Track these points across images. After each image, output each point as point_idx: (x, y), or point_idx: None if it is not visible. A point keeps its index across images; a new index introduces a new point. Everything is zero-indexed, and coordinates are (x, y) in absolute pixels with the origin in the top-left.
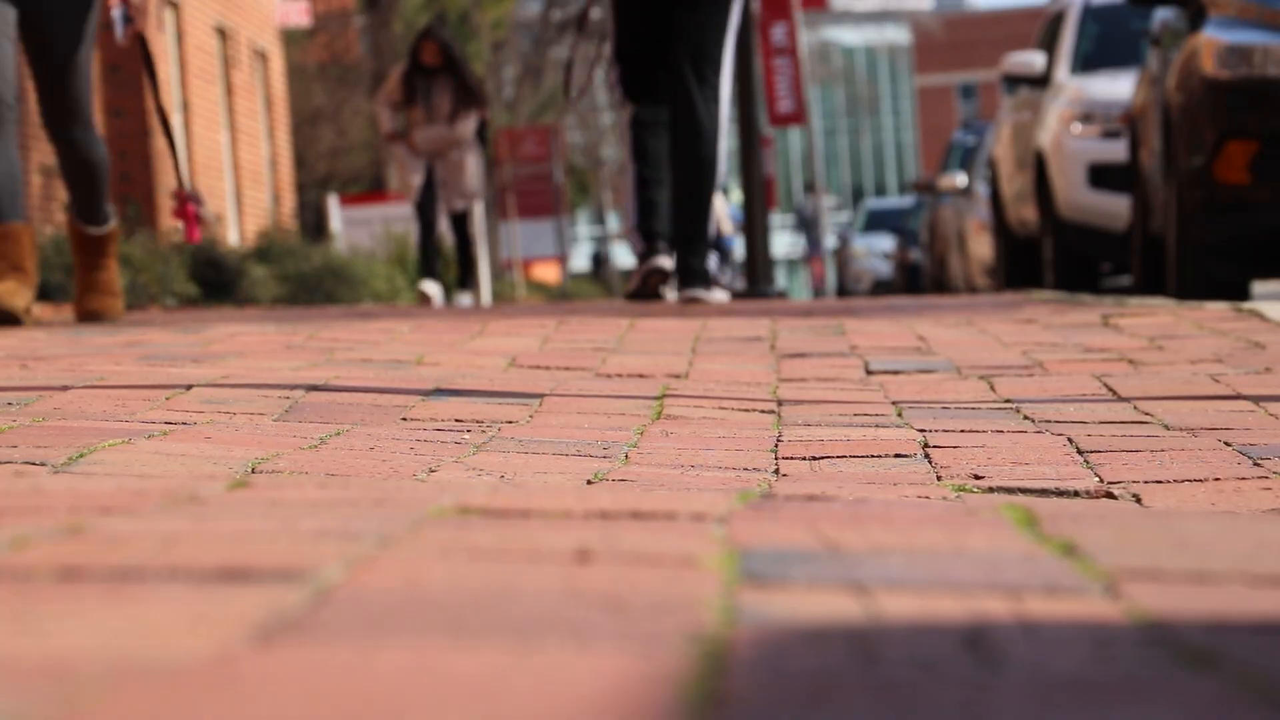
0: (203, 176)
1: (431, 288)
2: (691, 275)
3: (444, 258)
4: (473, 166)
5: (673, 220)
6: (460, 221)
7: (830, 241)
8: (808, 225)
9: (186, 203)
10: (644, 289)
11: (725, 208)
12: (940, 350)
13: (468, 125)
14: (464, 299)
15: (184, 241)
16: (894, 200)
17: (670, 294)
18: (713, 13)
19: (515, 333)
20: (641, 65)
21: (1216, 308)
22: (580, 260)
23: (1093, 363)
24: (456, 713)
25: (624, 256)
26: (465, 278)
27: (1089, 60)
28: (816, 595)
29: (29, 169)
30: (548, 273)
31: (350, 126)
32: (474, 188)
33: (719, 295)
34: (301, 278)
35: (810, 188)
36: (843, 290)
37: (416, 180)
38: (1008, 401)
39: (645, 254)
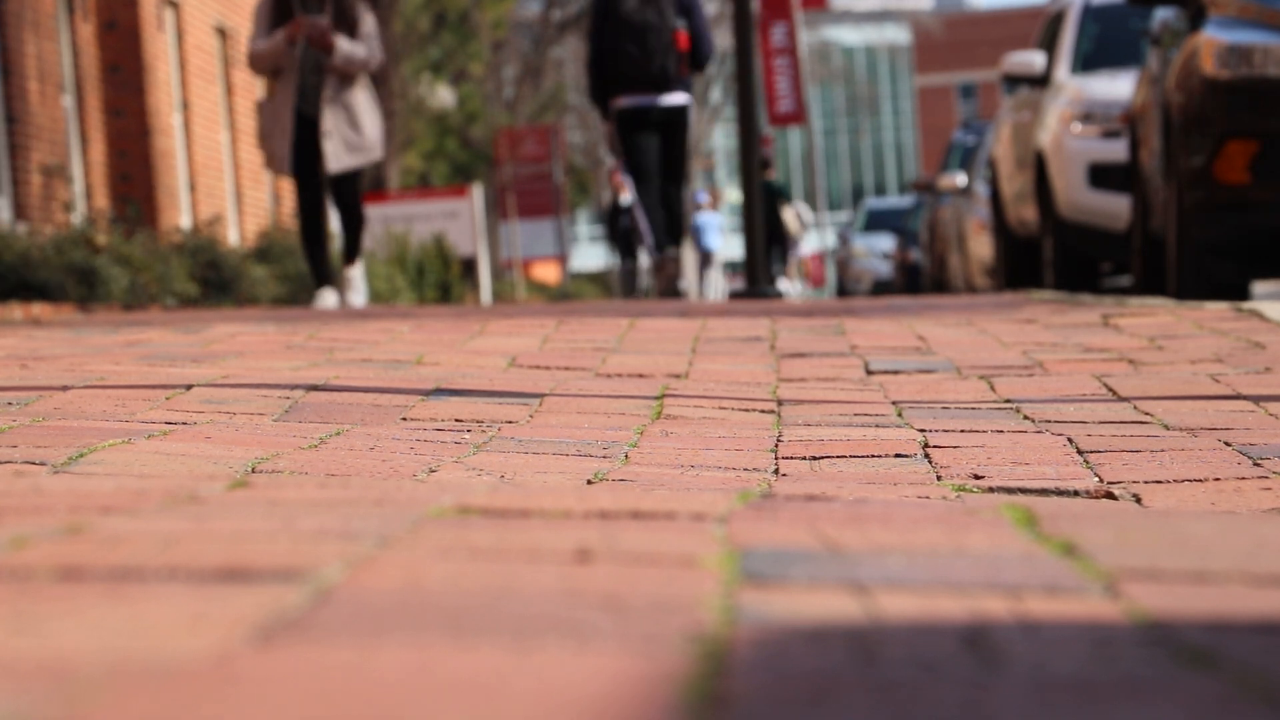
0: (203, 176)
1: (329, 299)
2: (667, 248)
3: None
4: (368, 110)
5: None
6: (347, 183)
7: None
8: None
9: None
10: (664, 276)
11: (716, 218)
12: (940, 350)
13: (356, 51)
14: (354, 271)
15: None
16: (894, 200)
17: (682, 285)
18: (680, 142)
19: (515, 333)
20: (640, 163)
21: (1216, 308)
22: (583, 260)
23: (1093, 363)
24: (456, 713)
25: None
26: (352, 252)
27: (1089, 60)
28: (816, 595)
29: (29, 169)
30: (548, 273)
31: None
32: (372, 137)
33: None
34: (301, 278)
35: None
36: (843, 290)
37: (283, 146)
38: (1008, 401)
39: (661, 260)
